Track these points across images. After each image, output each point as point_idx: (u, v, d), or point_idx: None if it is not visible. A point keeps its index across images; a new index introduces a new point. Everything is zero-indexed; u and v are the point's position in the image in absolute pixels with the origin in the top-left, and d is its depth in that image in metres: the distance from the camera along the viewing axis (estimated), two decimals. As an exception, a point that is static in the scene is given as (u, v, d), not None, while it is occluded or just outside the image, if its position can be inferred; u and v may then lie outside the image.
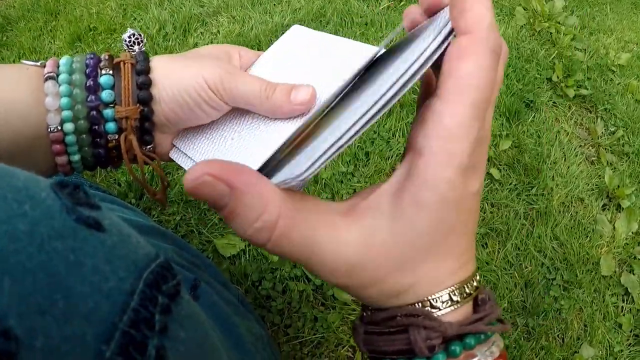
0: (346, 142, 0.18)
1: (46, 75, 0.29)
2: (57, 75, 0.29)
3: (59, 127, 0.29)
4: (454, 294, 0.21)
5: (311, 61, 0.32)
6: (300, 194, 0.20)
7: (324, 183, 0.89)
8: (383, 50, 0.29)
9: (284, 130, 0.29)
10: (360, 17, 1.16)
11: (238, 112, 0.32)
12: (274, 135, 0.29)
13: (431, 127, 0.18)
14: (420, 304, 0.20)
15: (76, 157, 0.31)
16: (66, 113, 0.29)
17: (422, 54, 0.18)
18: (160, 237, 0.54)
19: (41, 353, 0.15)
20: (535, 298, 0.86)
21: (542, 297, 0.86)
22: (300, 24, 0.38)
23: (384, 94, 0.18)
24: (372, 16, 1.16)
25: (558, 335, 0.84)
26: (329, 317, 0.76)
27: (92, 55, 0.31)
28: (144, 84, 0.30)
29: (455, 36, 0.19)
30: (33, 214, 0.17)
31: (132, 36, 0.32)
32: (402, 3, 1.21)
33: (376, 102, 0.18)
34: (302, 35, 0.35)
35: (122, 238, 0.20)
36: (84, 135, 0.30)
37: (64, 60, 0.30)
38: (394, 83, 0.18)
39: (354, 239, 0.19)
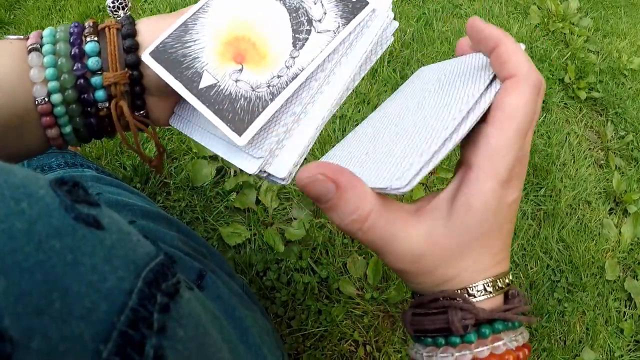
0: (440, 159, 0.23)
1: (29, 47, 0.27)
2: (41, 47, 0.28)
3: (47, 99, 0.28)
4: (488, 286, 0.25)
5: None
6: (383, 195, 0.24)
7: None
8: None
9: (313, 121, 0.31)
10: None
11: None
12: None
13: (481, 146, 0.23)
14: (459, 291, 0.24)
15: (67, 129, 0.30)
16: (52, 84, 0.28)
17: (474, 108, 0.24)
18: (166, 223, 0.53)
19: (37, 354, 0.15)
20: (540, 299, 0.86)
21: (547, 298, 0.86)
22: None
23: (459, 126, 0.23)
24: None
25: (560, 338, 0.84)
26: (333, 311, 0.76)
27: (76, 24, 0.29)
28: (131, 48, 0.29)
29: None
30: (31, 212, 0.17)
31: (115, 1, 0.31)
32: (416, -3, 1.19)
33: (455, 130, 0.23)
34: None
35: (122, 236, 0.20)
36: (74, 106, 0.29)
37: (47, 32, 0.29)
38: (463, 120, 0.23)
39: (420, 233, 0.24)
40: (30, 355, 0.15)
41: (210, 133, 0.31)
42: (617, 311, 0.90)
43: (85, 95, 0.29)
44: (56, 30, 0.29)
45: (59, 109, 0.28)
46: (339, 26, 0.31)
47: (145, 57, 0.29)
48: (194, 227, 0.83)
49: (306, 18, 0.31)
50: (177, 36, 0.29)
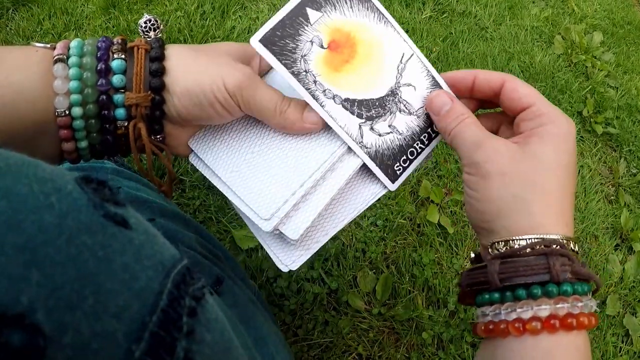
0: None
1: (56, 57, 0.28)
2: (67, 58, 0.28)
3: (67, 112, 0.28)
4: (572, 244, 0.26)
5: None
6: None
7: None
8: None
9: (312, 161, 0.31)
10: (402, 23, 1.15)
11: (257, 123, 0.33)
12: (301, 163, 0.31)
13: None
14: (558, 238, 0.25)
15: (83, 144, 0.29)
16: (75, 97, 0.28)
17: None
18: (184, 224, 0.53)
19: (70, 349, 0.15)
20: (542, 329, 0.86)
21: (548, 329, 0.87)
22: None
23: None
24: (413, 24, 1.15)
25: (558, 368, 0.85)
26: (340, 323, 0.76)
27: (104, 39, 0.29)
28: (157, 71, 0.29)
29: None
30: (60, 206, 0.16)
31: (148, 22, 0.31)
32: (445, 15, 1.20)
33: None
34: None
35: (149, 237, 0.20)
36: (93, 121, 0.29)
37: (74, 43, 0.29)
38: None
39: (505, 147, 0.30)
40: (63, 350, 0.15)
41: (222, 181, 0.32)
42: (614, 346, 0.91)
43: (106, 112, 0.29)
44: (84, 43, 0.29)
45: (78, 123, 0.28)
46: (363, 146, 0.32)
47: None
48: (207, 227, 0.83)
49: (376, 113, 0.32)
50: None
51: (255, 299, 0.54)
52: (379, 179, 0.33)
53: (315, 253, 0.32)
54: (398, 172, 0.33)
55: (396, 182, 0.34)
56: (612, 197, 1.07)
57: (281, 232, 0.30)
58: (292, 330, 0.75)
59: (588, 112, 1.13)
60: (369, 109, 0.32)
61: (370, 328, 0.78)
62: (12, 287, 0.14)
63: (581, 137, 1.11)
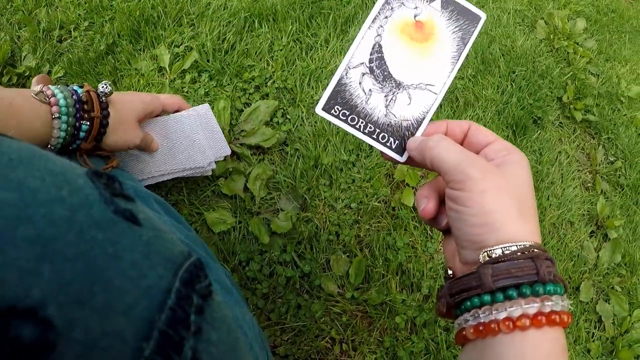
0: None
1: (54, 116, 0.46)
2: (60, 115, 0.46)
3: (59, 140, 0.48)
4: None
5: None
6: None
7: (324, 169, 0.87)
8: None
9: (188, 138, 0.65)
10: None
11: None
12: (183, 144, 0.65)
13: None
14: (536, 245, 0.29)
15: (58, 147, 0.48)
16: (63, 134, 0.47)
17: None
18: (161, 206, 0.54)
19: (79, 346, 0.15)
20: (515, 314, 0.87)
21: (522, 314, 0.87)
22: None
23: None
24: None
25: (530, 353, 0.86)
26: (313, 307, 0.75)
27: (77, 99, 0.49)
28: (103, 133, 0.52)
29: None
30: (71, 200, 0.17)
31: (105, 87, 0.52)
32: None
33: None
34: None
35: (157, 233, 0.20)
36: (65, 144, 0.49)
37: (62, 102, 0.46)
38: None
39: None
40: (73, 346, 0.14)
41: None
42: (586, 332, 0.92)
43: (72, 144, 0.50)
44: (67, 103, 0.47)
45: (60, 146, 0.48)
46: None
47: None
48: (178, 209, 0.81)
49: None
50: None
51: (228, 282, 0.54)
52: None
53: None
54: (331, 109, 0.39)
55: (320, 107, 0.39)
56: (589, 184, 1.07)
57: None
58: (265, 314, 0.74)
59: (568, 99, 1.12)
60: (385, 79, 0.38)
61: (343, 312, 0.77)
62: (23, 280, 0.14)
63: (560, 123, 1.11)
